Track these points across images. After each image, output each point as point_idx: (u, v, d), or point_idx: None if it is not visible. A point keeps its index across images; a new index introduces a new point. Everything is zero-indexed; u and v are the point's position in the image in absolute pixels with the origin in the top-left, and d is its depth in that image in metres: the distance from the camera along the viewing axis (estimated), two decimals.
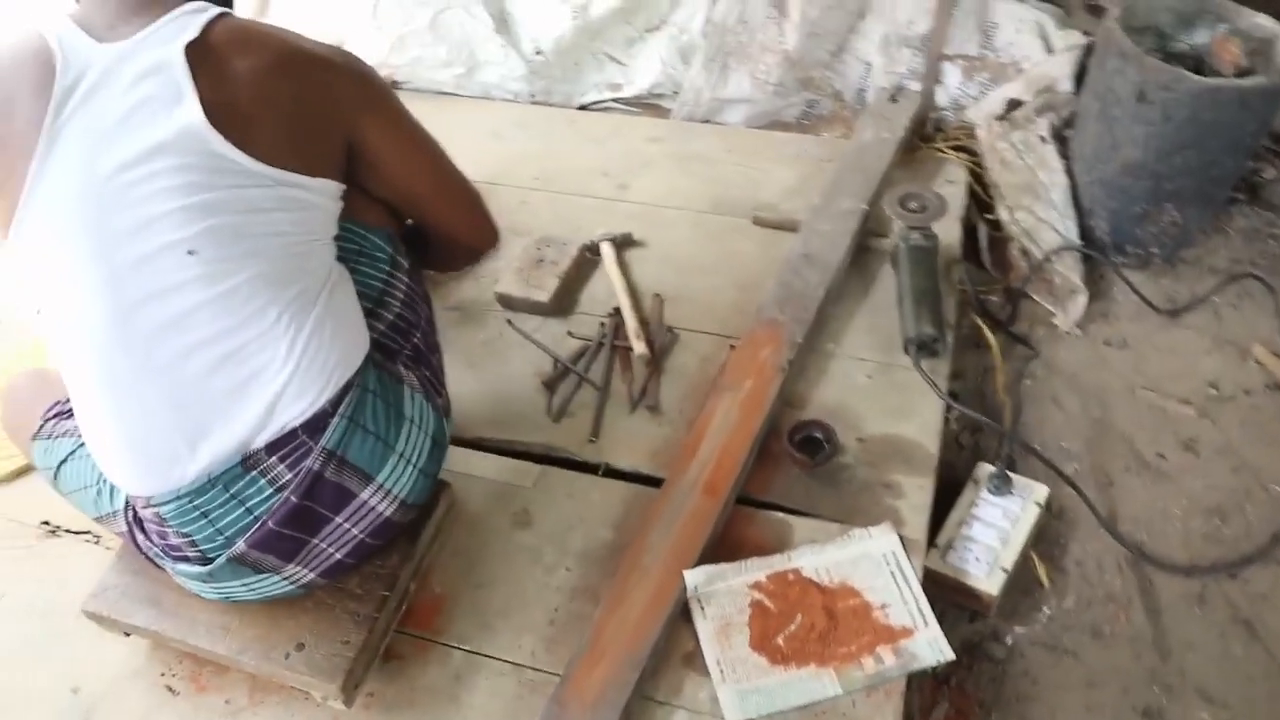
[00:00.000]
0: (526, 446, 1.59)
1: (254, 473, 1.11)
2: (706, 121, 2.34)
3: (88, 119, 1.05)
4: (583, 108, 2.46)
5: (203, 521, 1.12)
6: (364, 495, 1.17)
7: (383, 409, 1.17)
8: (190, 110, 1.04)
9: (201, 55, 1.07)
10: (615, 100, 2.46)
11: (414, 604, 1.37)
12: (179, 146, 1.04)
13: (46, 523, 1.56)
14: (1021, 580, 1.45)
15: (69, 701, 1.33)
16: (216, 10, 1.12)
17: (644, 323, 1.76)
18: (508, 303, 1.84)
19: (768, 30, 2.24)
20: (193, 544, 1.15)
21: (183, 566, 1.19)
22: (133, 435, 1.11)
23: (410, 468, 1.21)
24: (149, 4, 1.10)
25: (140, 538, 1.20)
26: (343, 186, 1.19)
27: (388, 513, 1.21)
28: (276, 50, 1.12)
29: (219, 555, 1.15)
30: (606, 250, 1.91)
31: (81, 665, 1.37)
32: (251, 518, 1.13)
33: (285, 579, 1.20)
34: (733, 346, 1.67)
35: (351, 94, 1.19)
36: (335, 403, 1.12)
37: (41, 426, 1.32)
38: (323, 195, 1.16)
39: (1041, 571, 1.47)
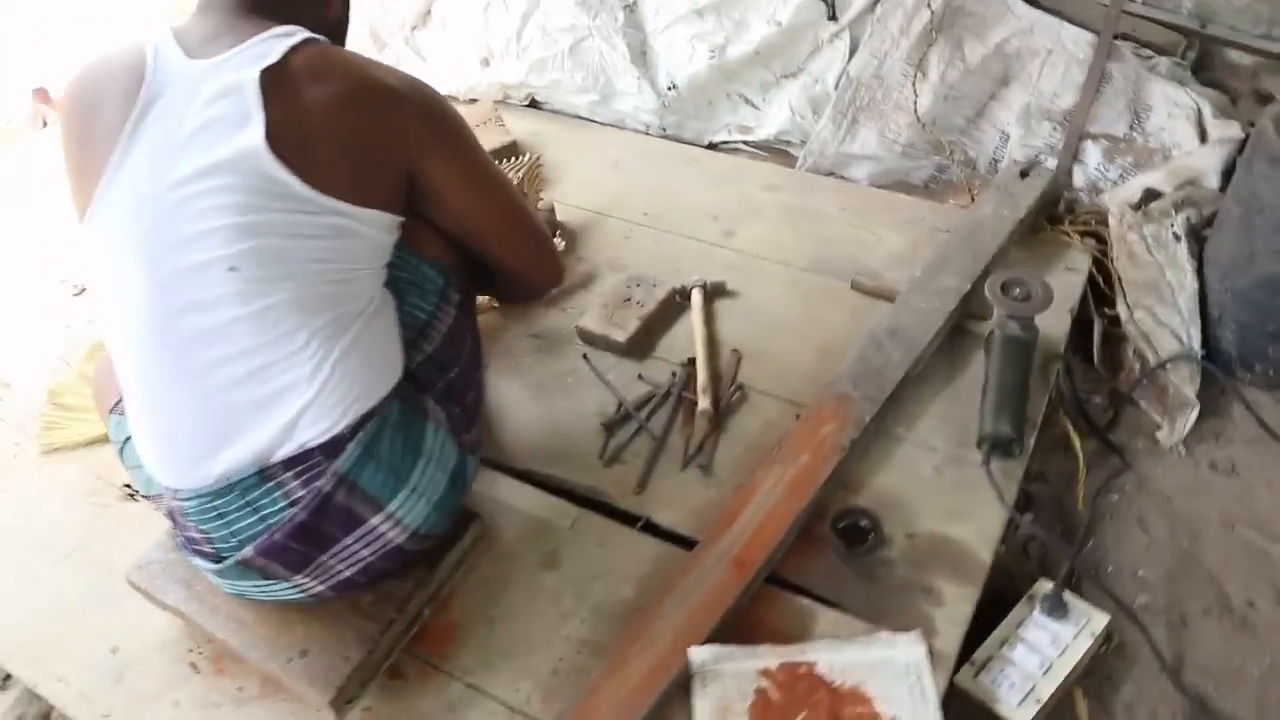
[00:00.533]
0: (572, 486, 1.59)
1: (270, 484, 1.15)
2: (831, 174, 2.28)
3: (163, 130, 1.12)
4: (712, 146, 2.45)
5: (219, 522, 1.17)
6: (374, 521, 1.19)
7: (400, 441, 1.19)
8: (254, 133, 1.09)
9: (277, 80, 1.12)
10: (745, 142, 2.44)
11: (430, 626, 1.38)
12: (236, 167, 1.09)
13: (127, 486, 1.66)
14: (1060, 716, 1.34)
15: (107, 661, 1.41)
16: (303, 36, 1.17)
17: (715, 378, 1.72)
18: (587, 338, 1.84)
19: (903, 89, 2.17)
20: (209, 541, 1.20)
21: (199, 560, 1.24)
22: (163, 431, 1.17)
23: (422, 501, 1.22)
24: (242, 25, 1.16)
25: (170, 525, 1.26)
26: (398, 219, 1.22)
27: (399, 540, 1.23)
28: (348, 80, 1.16)
29: (230, 556, 1.19)
30: (695, 297, 1.89)
31: (124, 628, 1.44)
32: (264, 526, 1.16)
33: (294, 587, 1.24)
34: (799, 415, 1.62)
35: (417, 128, 1.22)
36: (354, 429, 1.15)
37: (118, 403, 1.41)
38: (373, 226, 1.19)
39: (1083, 710, 1.35)
